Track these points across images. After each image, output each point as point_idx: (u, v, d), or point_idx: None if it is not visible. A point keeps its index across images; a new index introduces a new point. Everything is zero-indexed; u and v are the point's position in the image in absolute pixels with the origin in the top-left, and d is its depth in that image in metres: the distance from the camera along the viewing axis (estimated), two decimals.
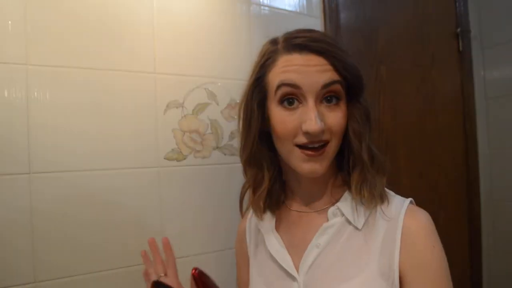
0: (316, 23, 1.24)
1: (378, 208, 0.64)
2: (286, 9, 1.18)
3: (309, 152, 0.60)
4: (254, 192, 0.70)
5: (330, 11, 1.26)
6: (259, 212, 0.70)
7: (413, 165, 1.45)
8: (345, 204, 0.65)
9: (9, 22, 0.80)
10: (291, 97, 0.60)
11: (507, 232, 1.61)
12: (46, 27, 0.84)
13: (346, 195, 0.66)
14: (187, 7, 1.01)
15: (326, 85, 0.59)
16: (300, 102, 0.60)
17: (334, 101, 0.61)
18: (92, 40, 0.88)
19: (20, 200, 0.80)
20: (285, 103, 0.61)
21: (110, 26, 0.91)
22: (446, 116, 1.55)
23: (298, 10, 1.21)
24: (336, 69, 0.60)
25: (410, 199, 0.65)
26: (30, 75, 0.82)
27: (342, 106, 0.62)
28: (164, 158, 0.96)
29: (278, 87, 0.61)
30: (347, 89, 0.62)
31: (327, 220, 0.65)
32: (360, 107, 0.63)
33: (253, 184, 0.70)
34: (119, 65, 0.91)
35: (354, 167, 0.64)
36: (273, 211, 0.72)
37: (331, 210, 0.65)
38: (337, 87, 0.60)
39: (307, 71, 0.59)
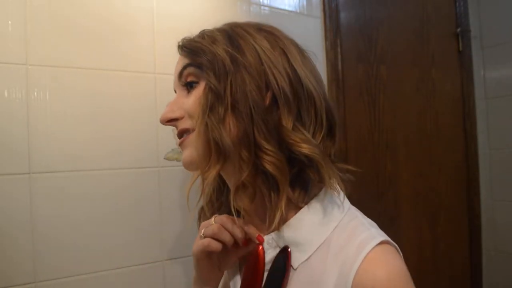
0: (316, 23, 1.24)
1: (334, 243, 0.49)
2: (286, 9, 1.18)
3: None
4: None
5: (330, 11, 1.26)
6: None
7: (413, 165, 1.45)
8: (287, 231, 0.53)
9: (9, 22, 0.80)
10: None
11: (507, 232, 1.61)
12: (46, 27, 0.83)
13: (298, 216, 0.53)
14: (187, 7, 1.01)
15: (180, 74, 0.58)
16: None
17: (190, 86, 0.57)
18: (92, 40, 0.88)
19: (20, 200, 0.80)
20: None
21: (110, 26, 0.90)
22: (446, 116, 1.55)
23: (298, 10, 1.21)
24: (187, 56, 0.57)
25: (381, 238, 0.48)
26: (30, 75, 0.82)
27: (200, 89, 0.55)
28: (164, 158, 0.96)
29: None
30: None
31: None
32: (205, 86, 0.53)
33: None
34: (119, 65, 0.91)
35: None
36: None
37: (267, 238, 0.54)
38: (190, 70, 0.56)
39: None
